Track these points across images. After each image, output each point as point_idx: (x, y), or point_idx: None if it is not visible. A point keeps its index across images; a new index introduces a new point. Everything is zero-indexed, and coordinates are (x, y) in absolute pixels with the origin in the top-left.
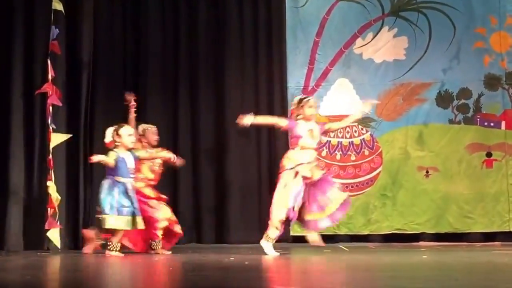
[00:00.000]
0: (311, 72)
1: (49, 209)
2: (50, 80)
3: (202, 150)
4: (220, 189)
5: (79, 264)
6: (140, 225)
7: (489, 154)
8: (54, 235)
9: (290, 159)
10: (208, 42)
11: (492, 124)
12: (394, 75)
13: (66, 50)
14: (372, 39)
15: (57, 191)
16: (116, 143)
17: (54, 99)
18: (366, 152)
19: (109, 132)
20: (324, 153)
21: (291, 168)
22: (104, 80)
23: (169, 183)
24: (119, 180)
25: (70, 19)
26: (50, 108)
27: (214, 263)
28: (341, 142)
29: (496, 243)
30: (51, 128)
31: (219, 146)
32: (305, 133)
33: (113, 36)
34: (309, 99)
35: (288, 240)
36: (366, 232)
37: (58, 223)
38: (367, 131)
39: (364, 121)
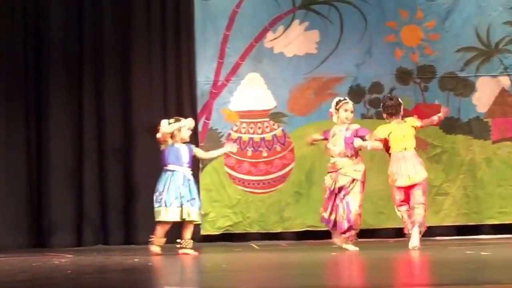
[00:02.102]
0: (221, 67)
1: None
2: None
3: (109, 149)
4: (128, 189)
5: None
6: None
7: None
8: None
9: None
10: (114, 35)
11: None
12: (305, 69)
13: None
14: (283, 33)
15: None
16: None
17: None
18: (278, 148)
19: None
20: (235, 150)
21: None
22: (4, 76)
23: (73, 183)
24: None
25: None
26: None
27: (117, 265)
28: (253, 138)
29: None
30: None
31: (126, 144)
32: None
33: (13, 30)
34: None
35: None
36: (278, 230)
37: None
38: (279, 127)
39: (276, 116)
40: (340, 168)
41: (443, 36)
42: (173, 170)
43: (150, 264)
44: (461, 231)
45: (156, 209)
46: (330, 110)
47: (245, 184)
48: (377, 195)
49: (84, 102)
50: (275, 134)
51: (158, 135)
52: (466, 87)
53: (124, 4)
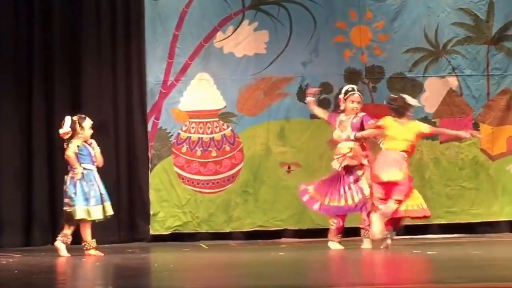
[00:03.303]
0: (170, 67)
1: None
2: None
3: (59, 147)
4: None
5: None
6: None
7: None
8: None
9: None
10: (63, 34)
11: None
12: (255, 70)
13: None
14: (233, 33)
15: None
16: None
17: None
18: (227, 148)
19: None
20: (184, 149)
21: None
22: None
23: (22, 181)
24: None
25: None
26: None
27: (64, 265)
28: (202, 138)
29: (358, 237)
30: None
31: None
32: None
33: None
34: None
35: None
36: (228, 230)
37: None
38: (228, 127)
39: (225, 116)
40: (348, 152)
41: (391, 36)
42: (89, 169)
43: (97, 264)
44: (409, 230)
45: (81, 208)
46: (340, 96)
47: (194, 184)
48: None
49: (33, 100)
50: (224, 134)
51: (61, 131)
52: (414, 88)
53: (74, 3)
